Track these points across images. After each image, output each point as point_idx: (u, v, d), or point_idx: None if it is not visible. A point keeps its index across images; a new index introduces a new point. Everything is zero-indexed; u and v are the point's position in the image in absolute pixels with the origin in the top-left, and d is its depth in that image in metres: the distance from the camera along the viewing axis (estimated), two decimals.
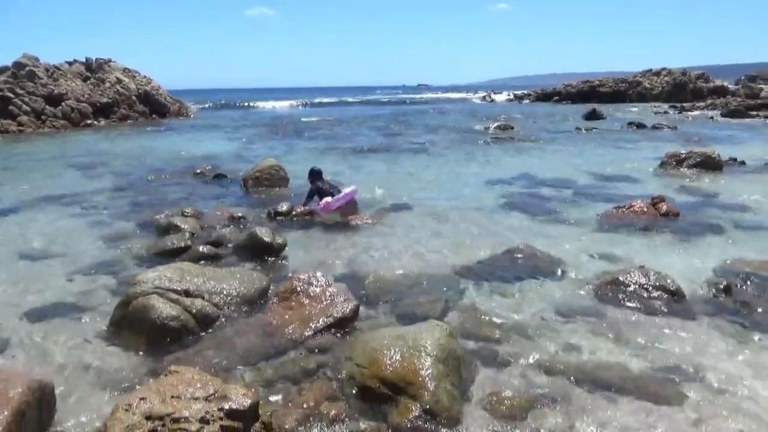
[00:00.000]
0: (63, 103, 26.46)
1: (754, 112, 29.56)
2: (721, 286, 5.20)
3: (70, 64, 30.26)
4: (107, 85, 29.80)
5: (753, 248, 6.66)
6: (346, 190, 8.34)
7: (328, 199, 8.11)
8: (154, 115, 31.41)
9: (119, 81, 30.44)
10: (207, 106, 44.31)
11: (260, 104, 48.69)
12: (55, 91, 26.44)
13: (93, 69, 30.65)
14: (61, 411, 3.39)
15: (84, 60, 31.04)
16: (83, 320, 4.87)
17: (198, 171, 12.65)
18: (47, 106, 25.87)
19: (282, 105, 49.23)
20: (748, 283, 5.38)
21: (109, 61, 31.92)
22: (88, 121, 26.75)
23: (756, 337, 4.40)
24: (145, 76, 32.94)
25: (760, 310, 4.89)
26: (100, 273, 6.07)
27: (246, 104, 48.41)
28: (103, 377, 3.91)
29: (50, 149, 18.42)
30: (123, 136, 22.56)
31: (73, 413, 3.44)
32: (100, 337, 4.53)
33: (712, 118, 29.08)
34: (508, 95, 63.43)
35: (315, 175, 8.86)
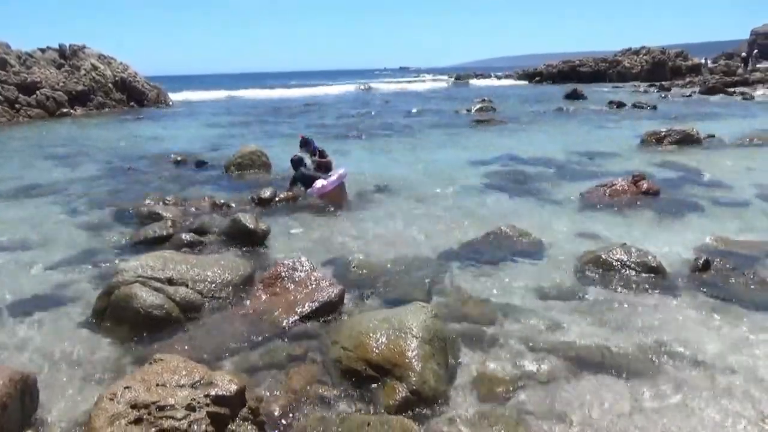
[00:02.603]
0: (37, 92, 25.80)
1: (731, 89, 29.88)
2: (700, 263, 5.28)
3: (42, 51, 29.39)
4: (82, 72, 29.04)
5: (730, 224, 6.80)
6: (339, 171, 8.32)
7: (323, 182, 8.11)
8: (132, 103, 30.71)
9: (95, 68, 29.69)
10: (188, 99, 42.16)
11: (241, 91, 47.81)
12: (29, 79, 25.76)
13: (67, 56, 29.81)
14: (44, 403, 3.36)
15: (57, 47, 30.22)
16: (65, 311, 4.81)
17: (179, 158, 12.45)
18: (21, 95, 25.21)
19: (263, 92, 48.40)
20: (726, 259, 5.48)
21: (84, 47, 31.06)
22: (64, 110, 26.12)
23: (734, 312, 4.48)
24: (121, 63, 32.15)
25: (737, 285, 4.99)
26: (81, 263, 5.98)
27: (226, 91, 47.45)
28: (87, 368, 3.87)
29: (26, 139, 17.99)
30: (101, 125, 22.11)
31: (56, 405, 3.41)
32: (83, 328, 4.48)
33: (690, 95, 29.34)
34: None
35: (306, 144, 9.00)
